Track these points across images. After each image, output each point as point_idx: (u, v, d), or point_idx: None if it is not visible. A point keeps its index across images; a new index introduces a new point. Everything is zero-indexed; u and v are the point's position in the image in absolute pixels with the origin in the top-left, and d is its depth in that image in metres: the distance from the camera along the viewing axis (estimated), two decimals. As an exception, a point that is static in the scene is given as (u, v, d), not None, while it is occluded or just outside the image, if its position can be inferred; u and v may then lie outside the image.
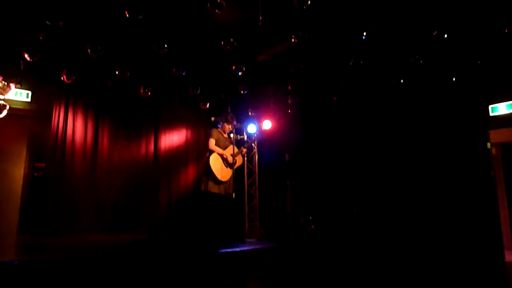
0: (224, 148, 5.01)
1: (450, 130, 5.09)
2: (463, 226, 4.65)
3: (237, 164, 5.05)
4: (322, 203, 5.97)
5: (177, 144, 6.91)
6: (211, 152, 4.89)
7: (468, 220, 4.67)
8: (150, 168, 6.52)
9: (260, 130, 6.22)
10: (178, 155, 6.84)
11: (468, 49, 4.89)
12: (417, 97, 5.41)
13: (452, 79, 5.09)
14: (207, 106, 6.19)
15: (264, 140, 5.54)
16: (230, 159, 4.90)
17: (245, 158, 6.15)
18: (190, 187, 6.85)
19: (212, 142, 4.94)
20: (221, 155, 4.90)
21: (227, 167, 4.88)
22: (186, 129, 7.06)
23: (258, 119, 6.34)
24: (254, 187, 6.37)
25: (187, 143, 7.01)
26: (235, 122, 5.08)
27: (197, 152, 7.07)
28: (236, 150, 5.00)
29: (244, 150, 5.16)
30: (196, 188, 6.72)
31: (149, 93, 5.68)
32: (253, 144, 5.06)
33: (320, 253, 4.67)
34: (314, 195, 6.13)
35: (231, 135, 5.10)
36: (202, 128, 7.13)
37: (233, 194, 4.82)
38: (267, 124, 6.25)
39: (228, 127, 5.06)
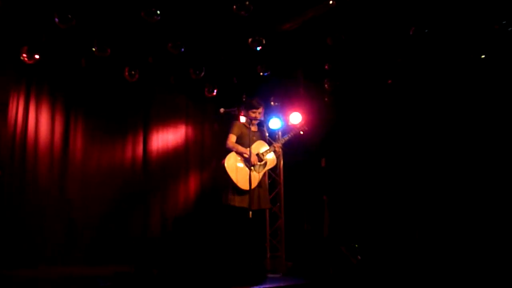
0: (249, 145, 4.87)
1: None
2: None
3: (268, 165, 5.02)
4: (372, 225, 5.91)
5: (174, 145, 6.89)
6: (229, 152, 4.89)
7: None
8: (138, 177, 6.54)
9: (287, 126, 6.14)
10: (175, 159, 6.83)
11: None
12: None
13: None
14: (214, 93, 6.25)
15: (291, 139, 5.36)
16: (254, 159, 4.82)
17: (281, 158, 6.10)
18: (190, 202, 6.86)
19: (231, 139, 4.93)
20: (241, 154, 4.86)
21: (252, 170, 4.75)
22: (186, 125, 7.04)
23: (284, 111, 6.30)
24: (278, 204, 6.31)
25: (187, 143, 6.99)
26: (262, 109, 5.02)
27: (201, 155, 7.05)
28: (264, 145, 4.96)
29: (278, 145, 5.07)
30: (199, 203, 6.78)
31: (136, 77, 5.73)
32: (275, 145, 5.03)
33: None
34: (361, 215, 6.06)
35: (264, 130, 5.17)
36: (207, 124, 7.11)
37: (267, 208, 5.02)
38: (295, 118, 6.18)
39: (254, 115, 5.00)
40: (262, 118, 5.12)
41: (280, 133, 6.29)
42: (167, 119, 6.89)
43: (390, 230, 5.85)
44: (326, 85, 6.05)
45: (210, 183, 6.93)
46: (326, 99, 6.36)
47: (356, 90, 6.43)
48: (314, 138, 6.16)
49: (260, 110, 5.02)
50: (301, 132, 5.28)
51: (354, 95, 6.48)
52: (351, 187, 6.35)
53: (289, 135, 5.24)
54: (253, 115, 5.00)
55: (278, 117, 6.14)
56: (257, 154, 4.91)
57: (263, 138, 5.12)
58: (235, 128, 4.99)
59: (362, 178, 6.31)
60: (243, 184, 4.72)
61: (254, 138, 4.99)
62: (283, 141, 5.17)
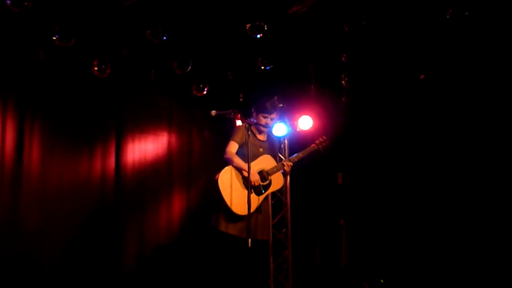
0: (255, 158, 4.87)
1: None
2: None
3: (273, 187, 4.99)
4: (400, 255, 5.89)
5: (154, 157, 6.75)
6: (226, 165, 4.84)
7: None
8: (109, 196, 6.37)
9: (294, 133, 6.20)
10: (155, 175, 6.68)
11: None
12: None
13: None
14: (204, 92, 6.21)
15: (307, 157, 5.46)
16: (255, 178, 4.76)
17: (287, 178, 6.08)
18: (174, 228, 6.74)
19: (231, 148, 4.87)
20: (241, 170, 4.78)
21: (250, 192, 4.66)
22: (169, 132, 6.92)
23: (290, 115, 6.30)
24: (284, 230, 6.31)
25: (170, 154, 6.86)
26: (276, 114, 5.02)
27: (188, 169, 6.93)
28: (271, 161, 4.95)
29: (288, 163, 5.03)
30: (185, 229, 6.71)
31: (107, 72, 5.67)
32: (284, 163, 5.06)
33: None
34: (387, 242, 6.06)
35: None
36: (195, 130, 7.01)
37: (265, 239, 5.01)
38: (305, 123, 6.18)
39: (265, 121, 4.98)
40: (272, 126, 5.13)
41: (285, 141, 6.26)
42: (145, 125, 6.73)
43: (423, 261, 5.81)
44: (343, 82, 6.00)
45: (199, 204, 6.83)
46: (343, 99, 6.36)
47: (380, 87, 6.43)
48: (329, 149, 5.88)
49: (274, 115, 5.01)
50: (320, 148, 5.25)
51: (379, 94, 6.48)
52: (374, 208, 6.34)
53: (304, 152, 5.20)
54: (264, 120, 4.98)
55: (284, 121, 6.02)
56: (260, 172, 4.84)
57: (272, 151, 5.11)
58: (239, 134, 4.91)
59: (388, 197, 6.30)
60: (238, 208, 4.67)
61: (261, 150, 5.00)
62: (295, 159, 5.10)
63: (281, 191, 6.25)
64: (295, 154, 5.18)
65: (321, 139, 5.28)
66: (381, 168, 6.44)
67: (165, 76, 6.27)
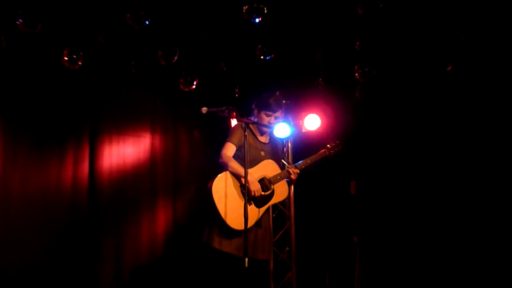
0: (255, 163, 4.83)
1: None
2: None
3: (276, 198, 4.91)
4: (428, 280, 5.78)
5: (135, 162, 6.65)
6: (222, 170, 4.74)
7: None
8: (81, 207, 6.23)
9: (299, 134, 6.22)
10: (136, 183, 6.59)
11: None
12: None
13: None
14: (193, 86, 6.14)
15: (316, 163, 5.45)
16: (255, 187, 4.65)
17: (291, 188, 5.97)
18: (159, 245, 6.64)
19: (227, 150, 4.78)
20: (239, 176, 4.68)
21: (249, 203, 4.62)
22: (152, 133, 6.83)
23: (295, 113, 6.31)
24: (287, 249, 6.35)
25: (154, 159, 6.78)
26: (281, 113, 4.97)
27: (174, 176, 6.86)
28: (274, 167, 4.88)
29: (295, 170, 4.92)
30: (171, 246, 6.63)
31: (79, 63, 5.57)
32: (290, 170, 5.02)
33: None
34: (408, 263, 5.96)
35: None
36: (182, 130, 6.98)
37: (265, 258, 4.92)
38: (311, 122, 6.16)
39: (267, 120, 4.89)
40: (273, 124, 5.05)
41: (289, 144, 6.23)
42: (124, 124, 6.63)
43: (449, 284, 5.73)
44: (356, 75, 5.90)
45: (188, 216, 6.77)
46: (357, 94, 6.20)
47: (400, 81, 6.41)
48: (339, 152, 5.78)
49: (278, 113, 4.94)
50: (332, 154, 5.16)
51: (398, 89, 6.46)
52: (393, 223, 6.31)
53: (313, 158, 5.12)
54: (266, 119, 4.92)
55: (287, 121, 5.82)
56: (262, 180, 4.73)
57: (275, 155, 5.01)
58: (237, 135, 4.82)
59: (409, 210, 6.25)
60: (234, 221, 4.57)
61: (263, 153, 4.94)
62: (302, 166, 5.02)
63: (283, 202, 6.24)
64: (302, 160, 5.10)
65: (333, 144, 5.17)
66: (401, 176, 6.42)
67: (148, 68, 6.20)
